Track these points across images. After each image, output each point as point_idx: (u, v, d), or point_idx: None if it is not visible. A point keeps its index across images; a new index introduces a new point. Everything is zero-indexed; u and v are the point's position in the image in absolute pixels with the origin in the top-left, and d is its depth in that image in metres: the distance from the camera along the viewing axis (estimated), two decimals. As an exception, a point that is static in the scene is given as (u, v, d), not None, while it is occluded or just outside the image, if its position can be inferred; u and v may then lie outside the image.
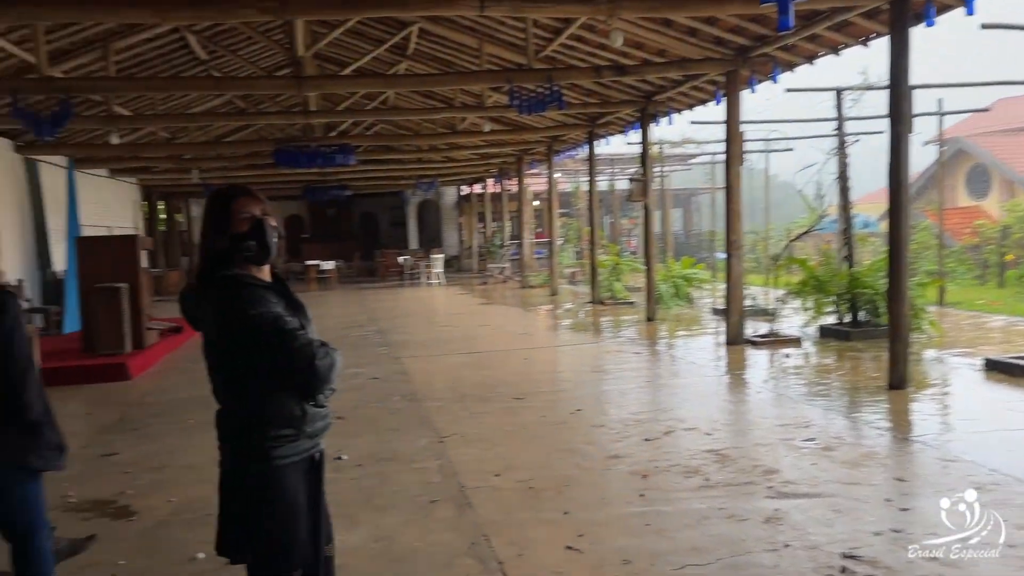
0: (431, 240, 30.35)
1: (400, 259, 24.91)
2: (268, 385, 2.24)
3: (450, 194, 30.90)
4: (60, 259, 14.54)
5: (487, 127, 14.36)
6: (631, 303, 15.25)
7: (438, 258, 23.44)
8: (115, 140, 12.74)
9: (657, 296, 13.34)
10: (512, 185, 23.86)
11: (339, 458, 5.67)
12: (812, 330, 10.67)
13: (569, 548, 3.95)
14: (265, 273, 2.38)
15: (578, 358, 10.21)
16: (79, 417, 7.41)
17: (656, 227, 19.72)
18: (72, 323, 12.59)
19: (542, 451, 5.73)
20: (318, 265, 23.32)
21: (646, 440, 5.87)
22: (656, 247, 14.89)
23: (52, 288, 13.98)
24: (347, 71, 12.94)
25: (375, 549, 4.07)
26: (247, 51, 13.41)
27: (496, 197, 25.96)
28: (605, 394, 7.89)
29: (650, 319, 12.81)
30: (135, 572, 3.89)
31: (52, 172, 14.90)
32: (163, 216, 28.79)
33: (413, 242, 30.29)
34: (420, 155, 19.65)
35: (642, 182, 13.11)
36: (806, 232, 12.36)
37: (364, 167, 20.28)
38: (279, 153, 14.05)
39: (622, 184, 26.26)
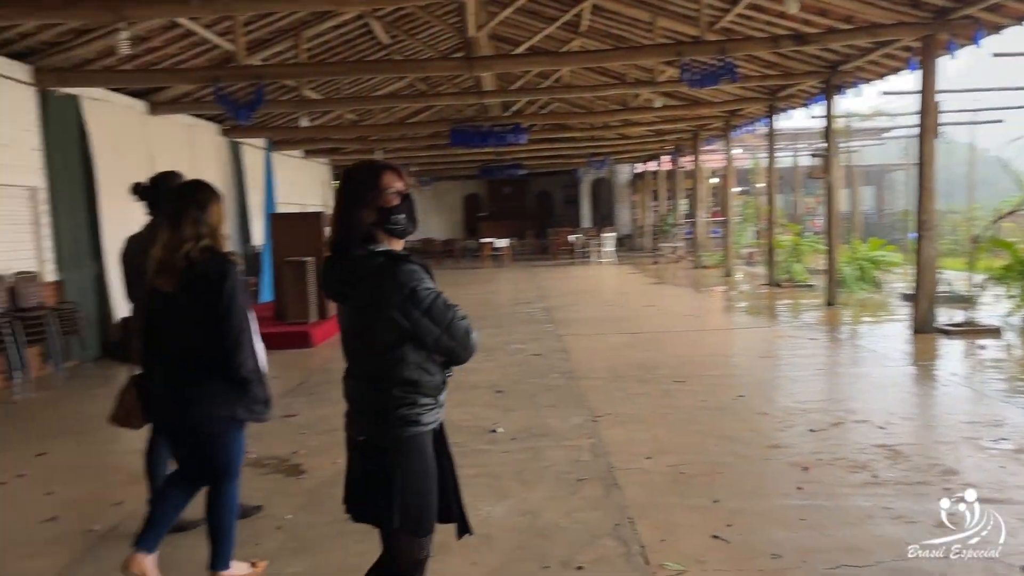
0: (604, 218, 30.23)
1: (571, 237, 25.00)
2: (421, 356, 2.35)
3: (624, 172, 30.59)
4: (258, 234, 15.80)
5: (658, 103, 14.04)
6: (811, 286, 14.46)
7: (609, 236, 23.32)
8: (304, 123, 13.61)
9: (839, 279, 12.56)
10: (687, 162, 23.24)
11: (494, 431, 5.80)
12: (1017, 320, 9.66)
13: (715, 537, 3.82)
14: (400, 247, 2.46)
15: (748, 342, 9.83)
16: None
17: (844, 206, 18.57)
18: (267, 293, 13.66)
19: (697, 436, 5.58)
20: (492, 243, 23.84)
21: (811, 431, 5.56)
22: (842, 227, 14.01)
23: (252, 260, 15.22)
24: (520, 49, 13.07)
25: (520, 522, 4.13)
26: (425, 35, 13.86)
27: (670, 175, 25.38)
28: (772, 381, 7.55)
29: (830, 303, 12.10)
30: (299, 526, 4.17)
31: (253, 153, 16.20)
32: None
33: (586, 220, 30.30)
34: (593, 133, 19.56)
35: (825, 158, 12.35)
36: (1013, 212, 11.17)
37: (537, 146, 20.48)
38: (454, 133, 14.47)
39: (807, 160, 24.89)
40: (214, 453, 3.49)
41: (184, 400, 3.38)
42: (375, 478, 2.35)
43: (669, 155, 24.87)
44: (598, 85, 14.85)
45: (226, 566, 3.51)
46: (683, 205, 24.79)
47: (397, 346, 2.32)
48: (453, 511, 2.48)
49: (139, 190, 4.23)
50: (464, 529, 2.52)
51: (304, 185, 20.63)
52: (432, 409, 2.38)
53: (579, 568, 3.57)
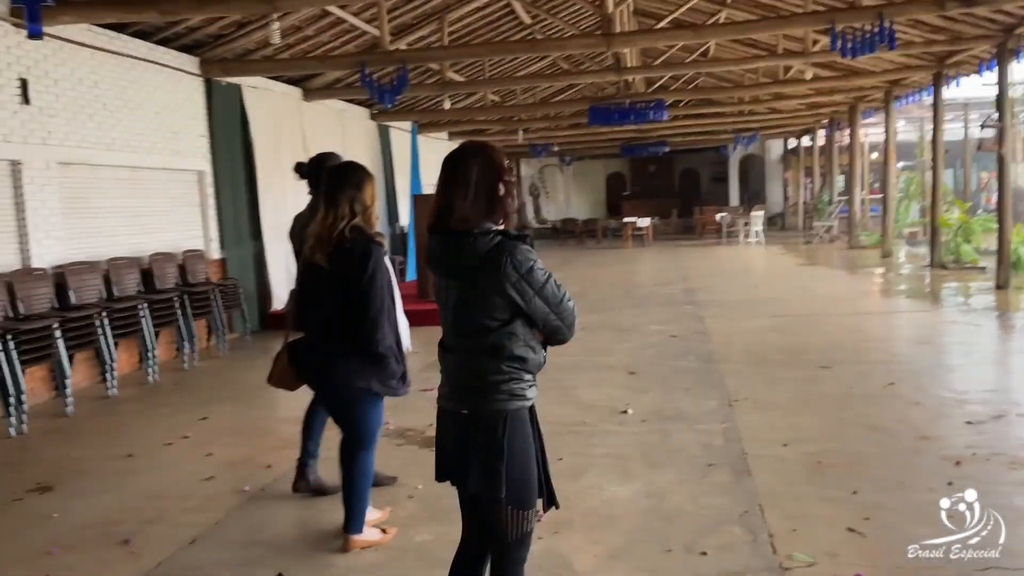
0: (753, 196, 29.13)
1: (718, 216, 24.28)
2: (529, 334, 2.39)
3: (775, 148, 29.34)
4: (405, 215, 16.35)
5: (808, 74, 13.33)
6: (980, 268, 13.38)
7: (758, 215, 22.46)
8: (447, 105, 13.88)
9: (1014, 260, 11.56)
10: (845, 136, 21.99)
11: (624, 412, 5.76)
12: None
13: (850, 530, 3.64)
14: (513, 226, 2.49)
15: (904, 327, 9.25)
16: (408, 356, 8.33)
17: (1022, 181, 17.03)
18: (412, 272, 14.12)
19: (840, 425, 5.31)
20: (634, 222, 23.53)
21: (968, 423, 5.17)
22: (1017, 204, 12.86)
23: (399, 240, 15.78)
24: (663, 23, 12.76)
25: (644, 504, 4.10)
26: (566, 13, 13.79)
27: (826, 150, 24.10)
28: (929, 369, 7.08)
29: (1000, 287, 11.15)
30: (429, 497, 4.30)
31: (400, 136, 16.75)
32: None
33: (734, 198, 29.31)
34: (742, 107, 18.86)
35: (999, 129, 11.35)
36: None
37: (683, 122, 19.98)
38: (593, 111, 14.35)
39: (978, 132, 22.96)
40: (351, 421, 3.70)
41: (326, 368, 3.61)
42: (479, 451, 2.39)
43: (825, 129, 23.63)
44: (746, 57, 14.27)
45: (359, 530, 3.69)
46: (839, 182, 23.51)
47: (509, 323, 2.36)
48: (542, 485, 2.49)
49: (301, 169, 4.45)
50: (551, 503, 2.54)
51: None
52: (533, 386, 2.44)
53: (702, 553, 3.50)
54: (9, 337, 5.94)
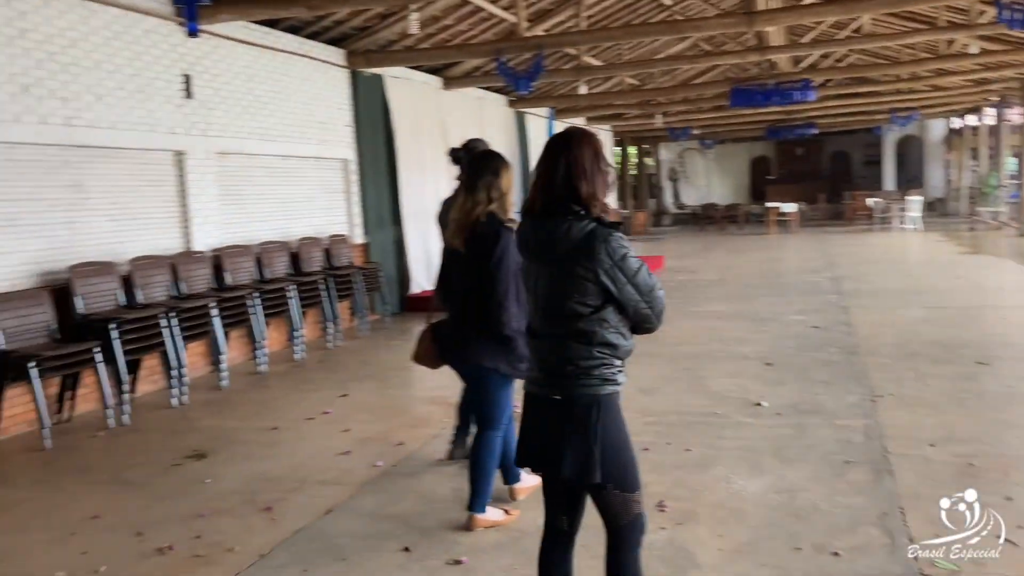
0: (910, 180, 27.34)
1: (870, 201, 22.95)
2: (619, 321, 2.40)
3: (936, 128, 27.38)
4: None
5: (974, 48, 12.33)
6: None
7: (915, 200, 21.07)
8: (583, 90, 13.79)
9: None
10: (1016, 115, 20.24)
11: (759, 404, 5.58)
12: None
13: (1005, 540, 3.38)
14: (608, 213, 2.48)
15: (1079, 322, 8.45)
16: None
17: None
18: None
19: (997, 425, 4.93)
20: (778, 207, 22.63)
21: None
22: None
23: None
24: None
25: (775, 500, 3.96)
26: (709, -8, 13.38)
27: (994, 130, 22.25)
28: (1105, 368, 6.44)
29: None
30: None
31: (536, 123, 16.83)
32: (634, 161, 30.63)
33: (889, 182, 27.63)
34: (898, 85, 17.70)
35: None
36: None
37: (832, 103, 19.00)
38: (735, 92, 13.88)
39: None
40: (481, 400, 3.79)
41: (460, 348, 3.76)
42: (572, 436, 2.39)
43: (993, 107, 21.82)
44: (904, 32, 13.38)
45: (482, 509, 3.77)
46: (1009, 165, 21.66)
47: (601, 309, 2.37)
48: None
49: (455, 155, 4.56)
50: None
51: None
52: (622, 371, 2.46)
53: (834, 554, 3.35)
54: (172, 314, 6.44)
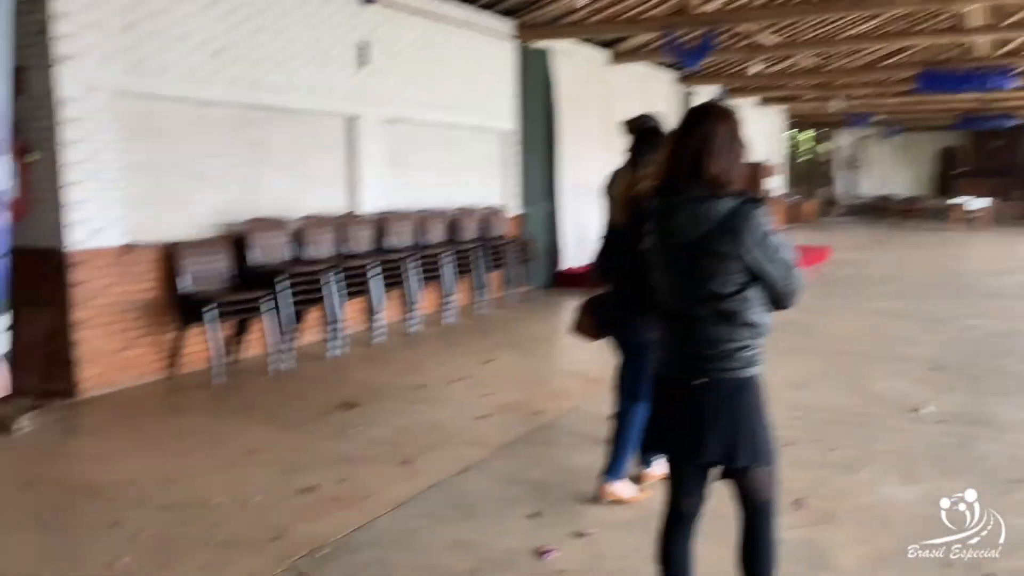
0: None
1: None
2: (761, 299, 2.35)
3: None
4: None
5: None
6: None
7: None
8: (753, 70, 13.22)
9: None
10: None
11: (915, 410, 5.20)
12: None
13: None
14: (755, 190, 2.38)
15: None
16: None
17: None
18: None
19: None
20: (963, 203, 20.89)
21: None
22: None
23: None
24: (1019, -24, 11.03)
25: (927, 511, 3.66)
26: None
27: None
28: None
29: None
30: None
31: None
32: (808, 146, 29.18)
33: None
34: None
35: None
36: None
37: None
38: (923, 77, 12.86)
39: None
40: (634, 373, 3.78)
41: (617, 321, 3.79)
42: (719, 420, 2.34)
43: None
44: None
45: (615, 478, 3.77)
46: None
47: (744, 288, 2.31)
48: None
49: (632, 125, 4.50)
50: None
51: (754, 134, 20.22)
52: (762, 351, 2.40)
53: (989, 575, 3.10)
54: (335, 271, 6.80)
